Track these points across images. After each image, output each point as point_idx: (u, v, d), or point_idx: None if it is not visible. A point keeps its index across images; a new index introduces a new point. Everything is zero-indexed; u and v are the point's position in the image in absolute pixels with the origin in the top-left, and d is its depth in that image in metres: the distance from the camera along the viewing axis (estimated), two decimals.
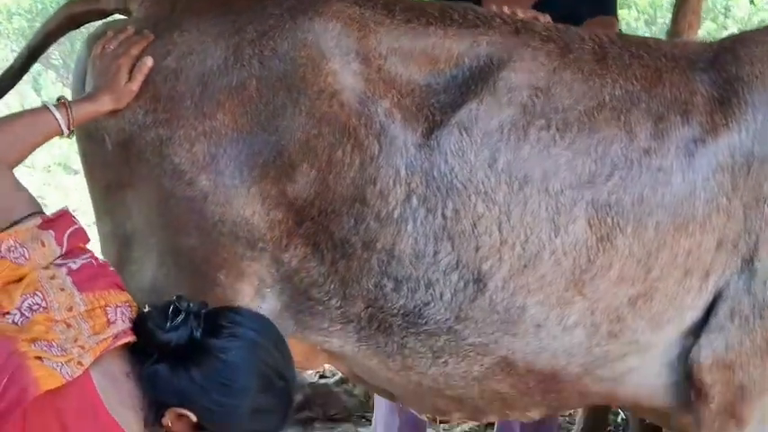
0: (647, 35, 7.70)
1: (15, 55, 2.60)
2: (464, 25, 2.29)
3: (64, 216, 2.03)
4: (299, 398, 4.20)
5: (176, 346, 1.93)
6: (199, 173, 2.20)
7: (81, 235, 2.03)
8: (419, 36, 2.27)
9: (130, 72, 2.20)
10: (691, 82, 2.28)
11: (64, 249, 1.97)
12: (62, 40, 2.67)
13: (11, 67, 2.58)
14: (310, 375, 4.52)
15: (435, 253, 2.23)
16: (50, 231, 1.97)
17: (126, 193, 2.28)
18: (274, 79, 2.19)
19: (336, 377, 4.55)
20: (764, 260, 2.23)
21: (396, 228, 2.21)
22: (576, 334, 2.27)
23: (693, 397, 2.30)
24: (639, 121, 2.24)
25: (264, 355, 1.98)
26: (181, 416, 1.93)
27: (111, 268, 2.05)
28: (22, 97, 8.83)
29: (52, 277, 1.92)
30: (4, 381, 1.76)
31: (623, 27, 6.41)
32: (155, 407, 1.93)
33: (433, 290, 2.25)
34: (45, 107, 2.12)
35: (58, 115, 2.10)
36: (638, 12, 9.69)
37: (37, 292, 1.89)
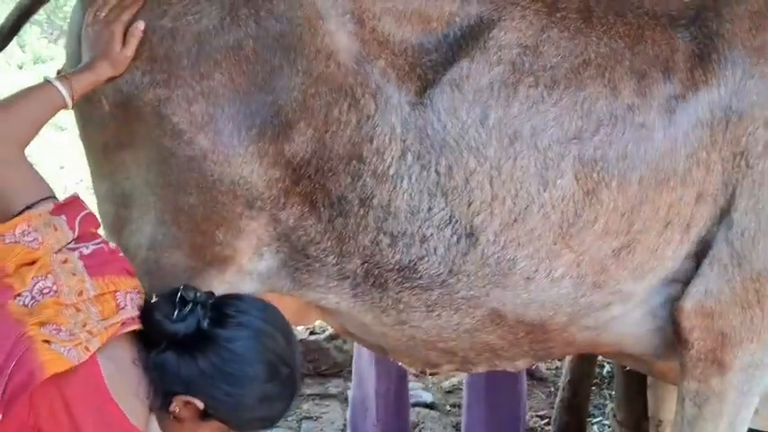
0: None
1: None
2: None
3: (75, 201, 2.05)
4: None
5: (184, 337, 1.95)
6: (197, 132, 2.20)
7: (92, 219, 2.05)
8: None
9: (124, 37, 2.19)
10: (672, 39, 2.31)
11: (76, 234, 1.98)
12: None
13: (1, 27, 2.53)
14: (301, 331, 4.52)
15: (429, 208, 2.25)
16: (62, 216, 1.99)
17: (124, 153, 2.28)
18: (271, 39, 2.19)
19: (327, 333, 4.57)
20: (741, 211, 2.28)
21: (391, 184, 2.24)
22: (563, 285, 2.32)
23: (677, 343, 2.36)
24: (623, 78, 2.27)
25: (270, 343, 2.01)
26: (188, 403, 1.95)
27: (122, 254, 2.06)
28: (6, 55, 8.57)
29: (65, 261, 1.94)
30: (12, 365, 1.77)
31: None
32: (162, 395, 1.95)
33: (428, 245, 2.28)
34: (48, 82, 2.10)
35: (61, 89, 2.09)
36: None
37: (48, 276, 1.90)
